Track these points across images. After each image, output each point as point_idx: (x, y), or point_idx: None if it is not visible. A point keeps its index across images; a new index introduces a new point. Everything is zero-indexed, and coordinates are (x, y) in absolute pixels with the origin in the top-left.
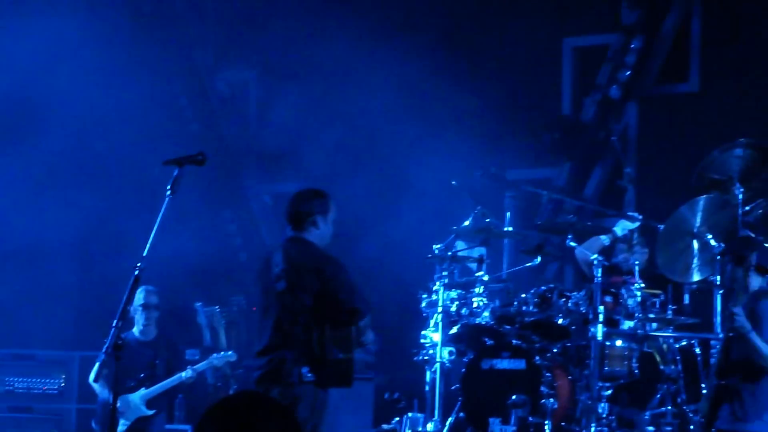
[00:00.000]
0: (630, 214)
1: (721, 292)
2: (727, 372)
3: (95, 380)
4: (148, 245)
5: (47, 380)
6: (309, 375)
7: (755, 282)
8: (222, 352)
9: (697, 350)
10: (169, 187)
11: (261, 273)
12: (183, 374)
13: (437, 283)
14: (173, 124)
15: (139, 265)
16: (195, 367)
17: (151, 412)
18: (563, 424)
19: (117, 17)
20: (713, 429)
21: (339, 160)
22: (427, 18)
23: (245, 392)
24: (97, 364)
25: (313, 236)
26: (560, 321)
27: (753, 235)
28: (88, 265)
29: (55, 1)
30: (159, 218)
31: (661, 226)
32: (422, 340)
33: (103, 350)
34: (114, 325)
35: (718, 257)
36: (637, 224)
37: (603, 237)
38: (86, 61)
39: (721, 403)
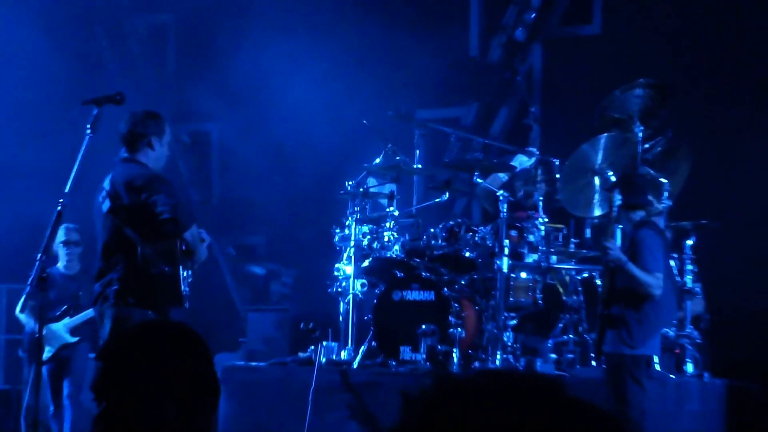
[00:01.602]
0: (528, 149)
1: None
2: (612, 300)
3: (21, 311)
4: (69, 183)
5: None
6: (131, 299)
7: (637, 215)
8: None
9: (598, 282)
10: (89, 125)
11: (95, 200)
12: None
13: (350, 218)
14: (92, 65)
15: (61, 201)
16: None
17: (74, 339)
18: (470, 352)
19: None
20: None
21: (253, 102)
22: None
23: (152, 320)
24: (23, 296)
25: (147, 158)
26: (468, 254)
27: (651, 172)
28: (11, 202)
29: None
30: (79, 156)
31: (557, 161)
32: (336, 273)
33: (29, 283)
34: (38, 258)
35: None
36: (533, 159)
37: (501, 174)
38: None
39: (606, 330)
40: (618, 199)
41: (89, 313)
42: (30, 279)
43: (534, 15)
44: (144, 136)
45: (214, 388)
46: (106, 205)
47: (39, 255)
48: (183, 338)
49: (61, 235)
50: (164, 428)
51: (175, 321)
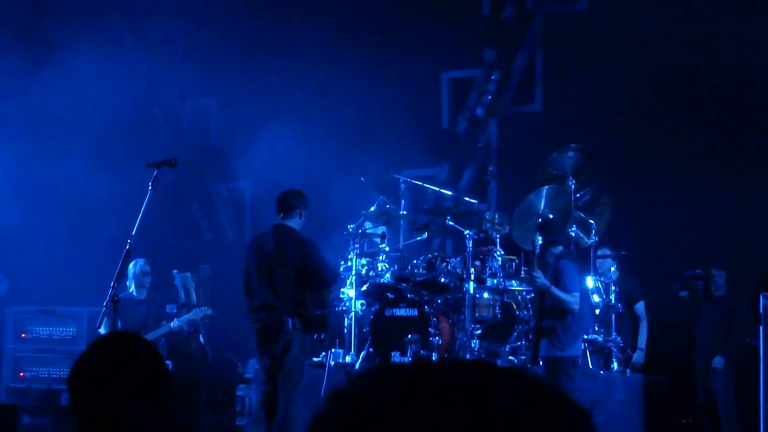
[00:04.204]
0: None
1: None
2: (543, 316)
3: (99, 327)
4: (135, 227)
5: (64, 329)
6: (298, 325)
7: (557, 249)
8: (201, 308)
9: None
10: (150, 183)
11: (255, 249)
12: (172, 324)
13: (351, 253)
14: (152, 136)
15: (129, 241)
16: (180, 318)
17: None
18: (446, 355)
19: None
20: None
21: (277, 165)
22: (347, 60)
23: (122, 332)
24: (101, 315)
25: (295, 223)
26: (442, 280)
27: (581, 215)
28: (94, 244)
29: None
30: (143, 206)
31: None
32: (341, 296)
33: (104, 304)
34: (111, 285)
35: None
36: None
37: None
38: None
39: (540, 339)
40: (540, 239)
41: (159, 331)
42: (105, 302)
43: (490, 97)
44: (297, 208)
45: (164, 377)
46: (274, 259)
47: (112, 283)
48: (132, 346)
49: (138, 268)
50: (148, 421)
51: (123, 332)
